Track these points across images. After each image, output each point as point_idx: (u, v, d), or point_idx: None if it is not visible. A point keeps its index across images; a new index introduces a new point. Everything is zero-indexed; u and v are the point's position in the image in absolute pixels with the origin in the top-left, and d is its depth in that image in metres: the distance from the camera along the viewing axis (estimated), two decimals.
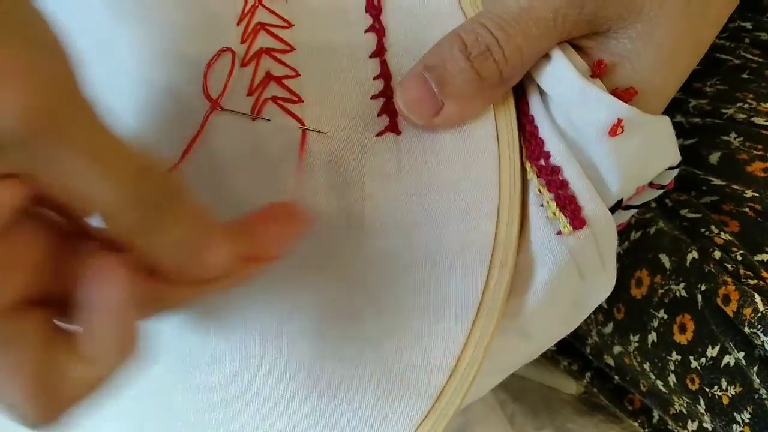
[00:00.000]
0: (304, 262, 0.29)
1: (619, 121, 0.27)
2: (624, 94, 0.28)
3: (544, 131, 0.29)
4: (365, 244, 0.29)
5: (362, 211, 0.29)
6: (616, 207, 0.30)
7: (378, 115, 0.30)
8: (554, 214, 0.28)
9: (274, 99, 0.30)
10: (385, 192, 0.29)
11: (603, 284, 0.30)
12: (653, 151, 0.29)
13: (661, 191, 0.32)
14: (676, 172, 0.31)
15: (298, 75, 0.30)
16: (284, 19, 0.31)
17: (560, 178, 0.28)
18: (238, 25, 0.31)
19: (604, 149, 0.28)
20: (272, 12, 0.31)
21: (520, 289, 0.29)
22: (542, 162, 0.29)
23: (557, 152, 0.28)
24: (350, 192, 0.29)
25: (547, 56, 0.29)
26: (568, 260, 0.28)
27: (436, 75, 0.28)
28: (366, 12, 0.31)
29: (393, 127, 0.30)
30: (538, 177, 0.29)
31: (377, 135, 0.30)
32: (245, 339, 0.29)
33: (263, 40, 0.30)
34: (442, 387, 0.28)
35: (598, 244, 0.28)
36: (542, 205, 0.29)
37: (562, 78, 0.28)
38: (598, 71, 0.28)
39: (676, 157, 0.30)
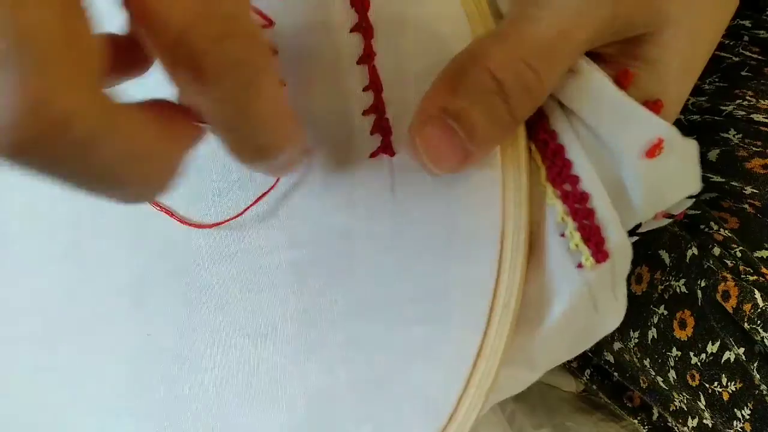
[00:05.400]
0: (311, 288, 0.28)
1: (660, 141, 0.24)
2: (653, 107, 0.25)
3: (572, 152, 0.25)
4: (358, 280, 0.27)
5: (354, 242, 0.27)
6: (631, 233, 0.27)
7: (370, 134, 0.26)
8: (577, 246, 0.26)
9: None
10: (379, 221, 0.27)
11: (613, 314, 0.28)
12: (682, 175, 0.26)
13: (669, 221, 0.29)
14: (690, 202, 0.28)
15: (283, 85, 0.26)
16: (265, 17, 0.26)
17: (588, 207, 0.25)
18: None
19: (637, 171, 0.25)
20: (252, 8, 0.26)
21: (530, 322, 0.27)
22: (568, 187, 0.26)
23: (587, 177, 0.25)
24: (344, 219, 0.27)
25: (569, 69, 0.25)
26: (585, 294, 0.26)
27: (465, 124, 0.23)
28: (351, 6, 0.25)
29: (387, 148, 0.26)
30: (563, 203, 0.26)
31: (370, 157, 0.27)
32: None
33: None
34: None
35: (614, 275, 0.26)
36: (563, 235, 0.26)
37: (590, 93, 0.25)
38: (624, 82, 0.25)
39: (697, 185, 0.27)
